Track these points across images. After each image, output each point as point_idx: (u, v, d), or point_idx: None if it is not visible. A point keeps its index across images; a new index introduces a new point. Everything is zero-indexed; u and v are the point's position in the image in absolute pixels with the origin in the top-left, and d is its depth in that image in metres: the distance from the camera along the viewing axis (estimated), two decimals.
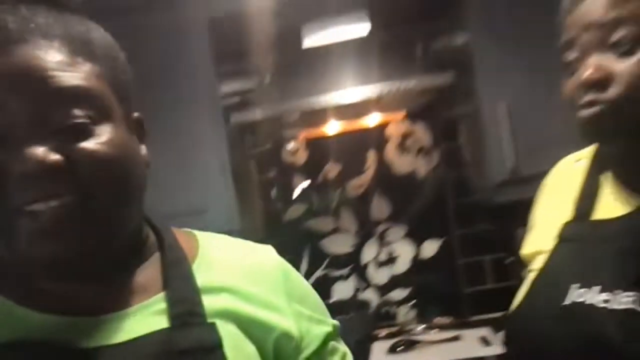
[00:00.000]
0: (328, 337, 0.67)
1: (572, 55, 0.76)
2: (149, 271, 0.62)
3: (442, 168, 2.30)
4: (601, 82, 0.72)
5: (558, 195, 0.91)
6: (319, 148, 2.36)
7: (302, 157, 2.34)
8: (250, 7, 1.90)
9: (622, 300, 0.72)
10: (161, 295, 0.60)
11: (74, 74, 0.52)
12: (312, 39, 2.05)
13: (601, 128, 0.74)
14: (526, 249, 0.93)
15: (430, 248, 2.29)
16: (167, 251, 0.63)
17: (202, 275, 0.63)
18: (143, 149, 0.61)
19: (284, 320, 0.64)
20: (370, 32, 2.05)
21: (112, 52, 0.60)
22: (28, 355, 0.54)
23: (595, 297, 0.74)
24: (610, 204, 0.81)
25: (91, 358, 0.54)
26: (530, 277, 0.86)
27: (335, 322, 0.70)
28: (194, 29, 1.89)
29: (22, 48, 0.51)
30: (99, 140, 0.53)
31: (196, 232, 0.70)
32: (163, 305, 0.59)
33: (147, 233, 0.64)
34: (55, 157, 0.50)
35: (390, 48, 2.12)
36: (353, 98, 1.95)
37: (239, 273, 0.65)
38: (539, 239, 0.90)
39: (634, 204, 0.77)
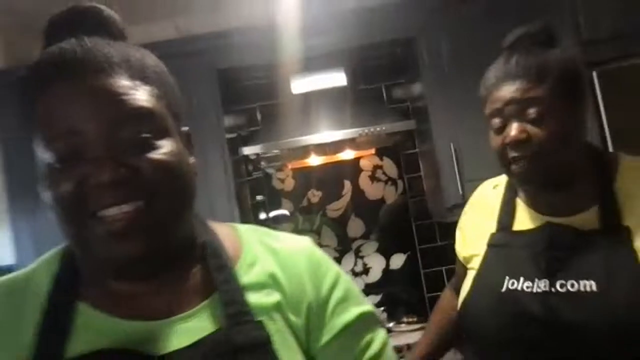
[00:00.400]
0: (351, 324, 0.65)
1: (497, 121, 0.94)
2: (201, 273, 0.62)
3: (406, 195, 2.51)
4: (523, 142, 0.89)
5: (482, 211, 1.08)
6: (303, 177, 2.50)
7: (289, 185, 2.52)
8: (251, 61, 2.14)
9: (540, 286, 0.90)
10: (213, 297, 0.61)
11: (137, 97, 0.54)
12: (300, 88, 2.27)
13: (525, 175, 0.92)
14: (463, 252, 1.09)
15: (398, 260, 2.49)
16: (215, 254, 0.63)
17: (247, 272, 0.63)
18: (192, 160, 0.62)
19: (313, 304, 0.64)
20: (347, 85, 2.27)
21: (164, 75, 0.61)
22: None
23: (521, 284, 0.92)
24: (523, 220, 0.99)
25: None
26: (470, 275, 1.02)
27: (366, 308, 0.67)
28: (206, 77, 2.09)
29: (91, 75, 0.53)
30: (161, 152, 0.55)
31: (239, 227, 0.70)
32: (216, 307, 0.60)
33: (196, 235, 0.64)
34: (124, 168, 0.52)
35: (362, 97, 2.37)
36: (333, 137, 2.10)
37: (276, 265, 0.65)
38: (472, 245, 1.06)
39: (539, 221, 0.97)
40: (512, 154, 0.91)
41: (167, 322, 0.58)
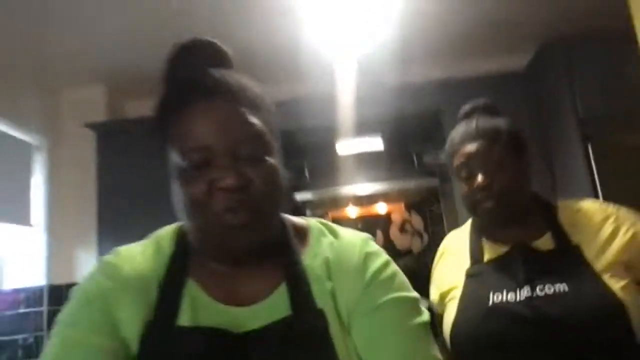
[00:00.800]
0: (387, 304, 0.68)
1: (464, 172, 1.09)
2: (277, 262, 0.70)
3: (430, 246, 2.74)
4: (488, 186, 1.06)
5: (452, 254, 1.19)
6: (341, 225, 2.88)
7: None
8: (306, 124, 2.51)
9: (522, 294, 1.00)
10: (284, 285, 0.68)
11: (254, 121, 0.64)
12: (344, 149, 2.67)
13: (491, 212, 1.07)
14: (440, 290, 1.15)
15: (423, 303, 2.72)
16: (287, 246, 0.71)
17: (311, 262, 0.70)
18: (284, 172, 0.69)
19: (357, 289, 0.69)
20: (383, 149, 2.66)
21: (268, 104, 0.69)
22: (202, 338, 0.63)
23: (505, 296, 1.00)
24: (492, 252, 1.11)
25: (240, 340, 0.63)
26: (453, 303, 1.08)
27: (410, 294, 0.70)
28: None
29: (220, 101, 0.63)
30: (268, 168, 0.64)
31: (309, 221, 0.78)
32: (285, 295, 0.67)
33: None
34: (243, 179, 0.62)
35: (396, 160, 2.72)
36: (368, 190, 2.43)
37: (333, 256, 0.71)
38: (448, 281, 1.13)
39: (500, 251, 1.09)
40: (479, 196, 1.06)
41: (249, 308, 0.66)
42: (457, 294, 1.09)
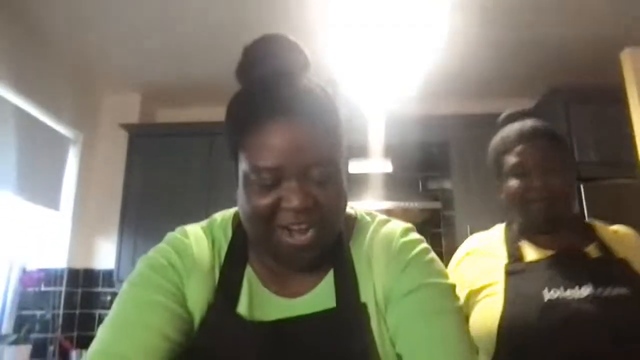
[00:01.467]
0: (421, 287, 0.68)
1: (519, 171, 1.07)
2: (326, 254, 0.71)
3: None
4: (544, 186, 1.05)
5: (482, 254, 1.14)
6: None
7: None
8: None
9: (583, 292, 0.97)
10: (331, 276, 0.70)
11: (325, 146, 0.64)
12: (356, 169, 2.85)
13: (545, 213, 1.05)
14: (472, 287, 1.09)
15: None
16: (337, 241, 0.71)
17: (356, 252, 0.72)
18: (346, 185, 0.70)
19: (392, 276, 0.70)
20: (392, 171, 2.86)
21: (341, 118, 0.69)
22: (256, 331, 0.66)
23: (563, 293, 0.98)
24: (532, 255, 1.08)
25: (285, 329, 0.67)
26: (492, 298, 1.04)
27: (444, 280, 0.70)
28: None
29: (297, 121, 0.63)
30: (333, 191, 0.65)
31: (358, 211, 0.79)
32: (332, 286, 0.70)
33: None
34: (310, 200, 0.64)
35: (402, 183, 2.91)
36: (374, 207, 2.49)
37: (375, 247, 0.73)
38: (481, 279, 1.09)
39: (543, 254, 1.07)
40: (534, 195, 1.06)
41: (298, 299, 0.70)
42: (497, 290, 1.05)
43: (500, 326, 1.00)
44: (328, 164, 0.64)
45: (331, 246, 0.70)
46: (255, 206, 0.64)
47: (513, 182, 1.09)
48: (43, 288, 2.71)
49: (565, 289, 0.98)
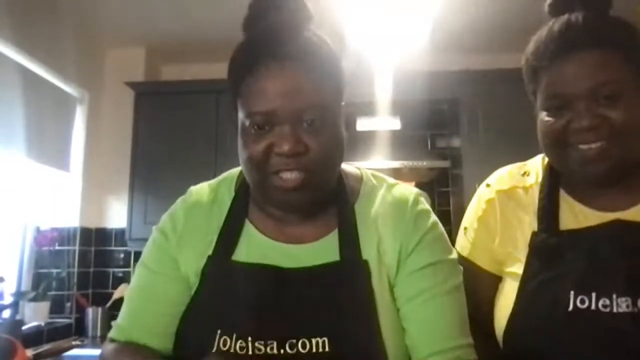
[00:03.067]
0: (433, 263, 0.71)
1: (555, 101, 0.74)
2: (330, 211, 0.73)
3: None
4: (596, 126, 0.71)
5: (513, 201, 0.85)
6: None
7: None
8: None
9: (622, 305, 0.70)
10: (335, 232, 0.72)
11: (319, 91, 0.65)
12: (363, 126, 2.85)
13: (593, 164, 0.73)
14: (499, 253, 0.84)
15: None
16: (342, 198, 0.73)
17: (361, 212, 0.73)
18: (344, 132, 0.70)
19: (404, 244, 0.71)
20: (400, 128, 2.85)
21: (341, 67, 0.70)
22: (253, 273, 0.69)
23: (595, 302, 0.71)
24: (572, 218, 0.79)
25: (287, 276, 0.68)
26: (512, 284, 0.80)
27: (451, 256, 0.73)
28: None
29: (290, 65, 0.64)
30: (326, 136, 0.66)
31: (364, 172, 0.79)
32: (336, 242, 0.71)
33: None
34: (301, 146, 0.64)
35: (411, 140, 2.89)
36: (382, 166, 2.55)
37: (383, 209, 0.73)
38: (506, 243, 0.84)
39: (594, 219, 0.77)
40: (579, 138, 0.74)
41: (299, 246, 0.71)
42: (517, 269, 0.81)
43: (508, 325, 0.79)
44: (323, 109, 0.65)
45: (328, 194, 0.72)
46: (250, 152, 0.66)
47: (547, 117, 0.78)
48: (57, 247, 2.77)
49: (600, 297, 0.73)
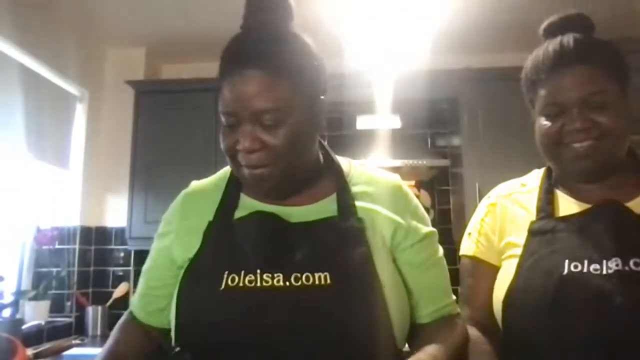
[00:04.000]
0: (426, 236, 0.84)
1: (553, 108, 0.87)
2: (327, 181, 0.84)
3: (436, 223, 2.88)
4: (586, 127, 0.85)
5: (514, 204, 0.97)
6: None
7: None
8: (329, 99, 2.71)
9: (610, 266, 0.80)
10: (333, 196, 0.82)
11: (276, 91, 0.73)
12: (363, 125, 2.85)
13: (583, 161, 0.86)
14: (501, 242, 0.95)
15: None
16: (336, 170, 0.85)
17: (353, 186, 0.83)
18: (318, 122, 0.80)
19: (400, 219, 0.82)
20: (400, 127, 2.84)
21: (310, 66, 0.78)
22: (254, 222, 0.79)
23: (587, 267, 0.82)
24: (566, 209, 0.91)
25: (287, 225, 0.78)
26: (511, 263, 0.90)
27: (433, 229, 0.87)
28: None
29: (248, 71, 0.73)
30: (285, 133, 0.74)
31: (350, 160, 0.90)
32: (334, 202, 0.81)
33: (321, 160, 0.84)
34: (257, 143, 0.74)
35: (411, 139, 2.88)
36: (382, 164, 2.45)
37: (375, 189, 0.84)
38: (508, 234, 0.94)
39: (580, 208, 0.90)
40: (571, 139, 0.87)
41: (299, 207, 0.81)
42: (517, 252, 0.90)
43: (506, 298, 0.87)
44: (279, 110, 0.73)
45: (303, 175, 0.81)
46: (224, 146, 0.78)
47: (544, 121, 0.90)
48: (57, 246, 2.77)
49: (591, 263, 0.82)
